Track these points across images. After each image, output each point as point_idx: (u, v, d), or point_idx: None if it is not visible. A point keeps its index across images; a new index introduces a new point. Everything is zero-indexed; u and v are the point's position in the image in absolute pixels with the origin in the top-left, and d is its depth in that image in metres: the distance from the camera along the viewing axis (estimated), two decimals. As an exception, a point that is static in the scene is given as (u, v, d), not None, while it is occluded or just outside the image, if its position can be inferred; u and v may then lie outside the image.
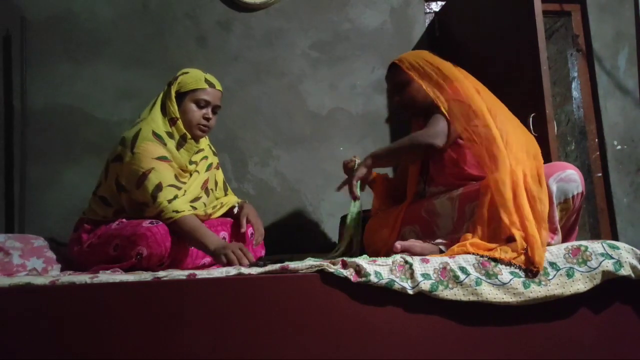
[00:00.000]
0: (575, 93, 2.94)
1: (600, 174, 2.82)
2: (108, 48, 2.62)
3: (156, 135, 1.72)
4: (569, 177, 1.50)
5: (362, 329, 1.32)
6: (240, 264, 1.50)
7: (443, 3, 2.88)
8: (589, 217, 2.84)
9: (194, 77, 1.81)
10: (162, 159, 1.70)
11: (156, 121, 1.77)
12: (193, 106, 1.79)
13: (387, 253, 1.61)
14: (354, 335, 1.31)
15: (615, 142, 2.82)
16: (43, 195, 2.49)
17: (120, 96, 2.59)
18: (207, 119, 1.82)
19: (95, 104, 2.58)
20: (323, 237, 2.67)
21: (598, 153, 2.84)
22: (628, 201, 2.78)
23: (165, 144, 1.72)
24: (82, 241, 1.72)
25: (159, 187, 1.64)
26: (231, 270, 1.39)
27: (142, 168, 1.65)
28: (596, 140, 2.85)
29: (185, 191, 1.75)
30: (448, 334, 1.33)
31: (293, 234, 2.63)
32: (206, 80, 1.82)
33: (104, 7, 2.64)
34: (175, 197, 1.66)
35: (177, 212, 1.63)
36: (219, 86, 1.85)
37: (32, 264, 1.70)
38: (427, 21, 2.88)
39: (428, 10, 2.91)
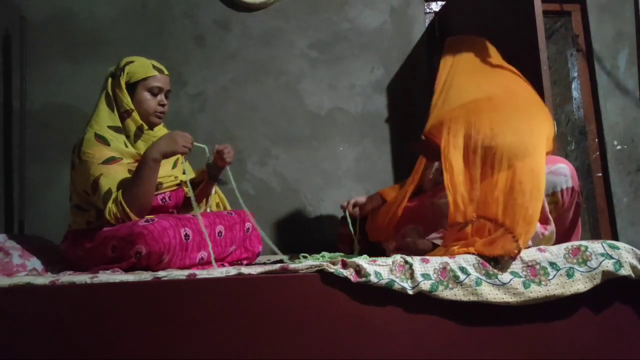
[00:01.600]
0: (575, 93, 2.94)
1: (600, 174, 2.83)
2: (107, 48, 2.62)
3: (99, 137, 1.69)
4: (558, 171, 1.50)
5: (362, 329, 1.32)
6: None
7: (443, 3, 2.88)
8: (589, 217, 2.84)
9: (141, 65, 1.78)
10: (108, 161, 1.67)
11: (100, 121, 1.74)
12: (147, 95, 1.77)
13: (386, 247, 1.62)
14: (354, 335, 1.31)
15: (615, 142, 2.82)
16: (42, 195, 2.49)
17: (120, 96, 2.59)
18: (163, 105, 1.81)
19: (94, 103, 2.57)
20: (323, 237, 2.67)
21: (598, 153, 2.84)
22: (628, 201, 2.78)
23: (109, 144, 1.69)
24: (75, 249, 1.71)
25: (108, 193, 1.63)
26: (231, 270, 1.39)
27: (92, 175, 1.65)
28: (596, 140, 2.85)
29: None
30: (448, 334, 1.33)
31: (293, 234, 2.63)
32: (154, 67, 1.79)
33: (103, 6, 2.64)
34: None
35: (115, 197, 1.61)
36: (166, 71, 1.84)
37: (32, 264, 1.69)
38: (427, 21, 2.88)
39: (428, 10, 2.91)
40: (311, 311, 1.32)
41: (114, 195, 1.63)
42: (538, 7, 1.96)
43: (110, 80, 1.79)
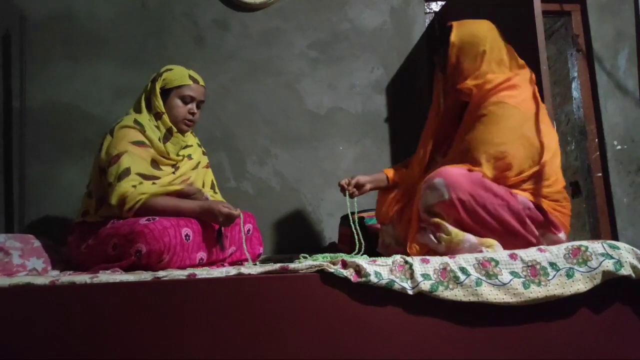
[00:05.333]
0: (575, 93, 2.94)
1: (600, 174, 2.83)
2: (107, 47, 2.62)
3: (137, 123, 1.78)
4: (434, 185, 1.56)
5: (362, 329, 1.32)
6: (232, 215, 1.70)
7: (443, 3, 2.88)
8: (589, 217, 2.84)
9: (178, 73, 1.87)
10: (138, 143, 1.75)
11: (142, 115, 1.83)
12: (179, 102, 1.86)
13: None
14: (354, 335, 1.31)
15: (615, 142, 2.82)
16: (42, 195, 2.48)
17: (119, 95, 2.59)
18: (193, 114, 1.88)
19: (94, 102, 2.58)
20: (323, 237, 2.67)
21: (598, 153, 2.84)
22: (628, 201, 2.78)
23: (144, 131, 1.77)
24: (79, 244, 1.72)
25: (126, 172, 1.67)
26: (231, 270, 1.39)
27: (117, 149, 1.71)
28: (596, 140, 2.85)
29: (154, 183, 1.75)
30: (448, 334, 1.33)
31: (292, 234, 2.63)
32: (190, 77, 1.88)
33: (102, 6, 2.64)
34: (141, 183, 1.69)
35: (143, 193, 1.66)
36: (202, 82, 1.92)
37: (32, 264, 1.69)
38: (427, 21, 2.88)
39: (428, 10, 2.91)
40: (311, 311, 1.32)
41: (131, 177, 1.66)
42: (538, 7, 1.96)
43: (149, 83, 1.89)
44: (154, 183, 1.73)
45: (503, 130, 1.58)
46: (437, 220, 1.57)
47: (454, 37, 1.74)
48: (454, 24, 1.77)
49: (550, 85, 2.05)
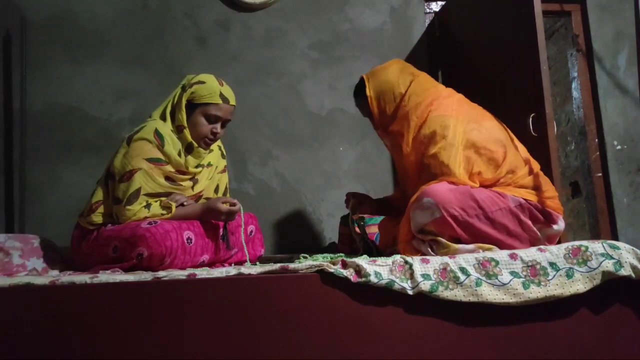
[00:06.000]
0: (575, 93, 2.94)
1: (600, 174, 2.83)
2: (108, 48, 2.62)
3: (157, 135, 1.69)
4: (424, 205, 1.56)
5: (362, 329, 1.32)
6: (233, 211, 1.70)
7: (443, 3, 2.88)
8: (589, 217, 2.84)
9: (209, 89, 1.74)
10: (153, 160, 1.68)
11: (165, 124, 1.76)
12: (203, 120, 1.75)
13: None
14: (354, 335, 1.31)
15: (615, 142, 2.82)
16: (43, 195, 2.49)
17: (120, 96, 2.59)
18: (215, 134, 1.78)
19: (95, 103, 2.58)
20: (323, 237, 2.67)
21: (598, 153, 2.84)
22: (628, 201, 2.78)
23: (163, 145, 1.69)
24: (80, 241, 1.72)
25: (137, 193, 1.64)
26: (231, 270, 1.39)
27: (130, 165, 1.66)
28: (596, 140, 2.85)
29: (160, 200, 1.74)
30: (448, 334, 1.33)
31: (293, 234, 2.63)
32: (221, 95, 1.75)
33: (103, 7, 2.64)
34: (148, 204, 1.67)
35: (154, 216, 1.66)
36: (233, 101, 1.80)
37: (32, 264, 1.69)
38: (427, 21, 2.88)
39: (428, 10, 2.91)
40: (311, 311, 1.32)
41: (140, 200, 1.65)
42: (538, 7, 1.97)
43: (179, 91, 1.79)
44: (160, 202, 1.73)
45: (449, 149, 1.60)
46: (433, 237, 1.57)
47: (369, 90, 1.79)
48: (365, 76, 1.83)
49: (550, 85, 2.05)
